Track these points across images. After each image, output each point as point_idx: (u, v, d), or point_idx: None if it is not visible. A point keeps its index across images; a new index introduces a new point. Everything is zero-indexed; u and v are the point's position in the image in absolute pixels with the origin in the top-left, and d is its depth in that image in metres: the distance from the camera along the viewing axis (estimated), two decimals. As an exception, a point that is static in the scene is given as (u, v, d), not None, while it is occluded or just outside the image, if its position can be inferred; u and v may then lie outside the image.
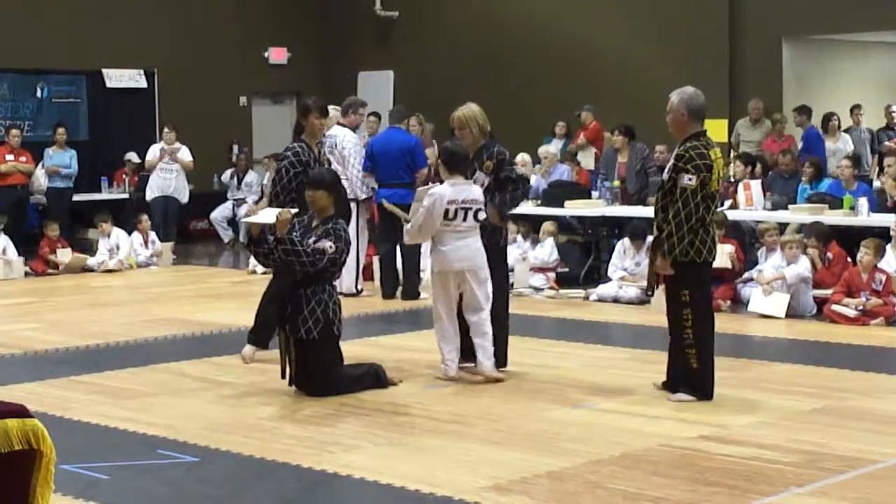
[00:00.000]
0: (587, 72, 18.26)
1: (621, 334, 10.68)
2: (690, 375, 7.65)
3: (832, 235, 11.51)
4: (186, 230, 18.66)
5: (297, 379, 7.93)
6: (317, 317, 7.76)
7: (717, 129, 16.76)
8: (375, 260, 13.14)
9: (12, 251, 14.81)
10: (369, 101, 19.04)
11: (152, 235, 15.99)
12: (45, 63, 18.53)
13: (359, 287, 12.69)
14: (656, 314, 7.96)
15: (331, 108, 12.72)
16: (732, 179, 13.78)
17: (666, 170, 7.79)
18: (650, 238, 8.99)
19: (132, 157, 18.70)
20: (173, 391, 8.22)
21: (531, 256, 13.11)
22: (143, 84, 19.58)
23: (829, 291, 11.04)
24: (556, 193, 14.04)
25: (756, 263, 11.96)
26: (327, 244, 7.76)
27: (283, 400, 7.85)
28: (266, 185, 18.37)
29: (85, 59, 18.82)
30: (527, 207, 14.01)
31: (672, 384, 7.78)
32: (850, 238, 11.69)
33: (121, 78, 19.35)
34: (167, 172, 17.37)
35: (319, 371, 7.87)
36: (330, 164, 12.28)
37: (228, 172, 19.30)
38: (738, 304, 11.63)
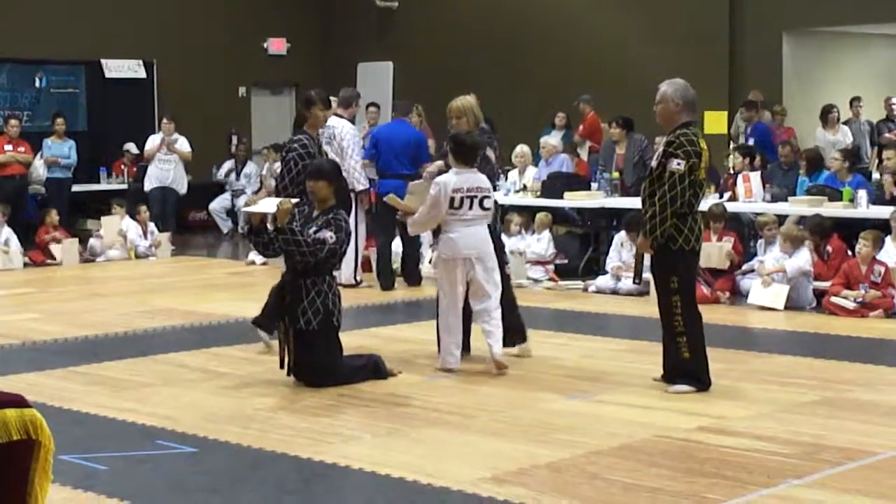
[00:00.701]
0: (587, 63, 18.24)
1: (620, 326, 10.68)
2: (684, 365, 7.69)
3: (831, 229, 11.51)
4: (185, 221, 18.66)
5: (296, 369, 7.93)
6: (316, 307, 7.76)
7: (716, 121, 16.79)
8: (372, 252, 13.15)
9: (15, 243, 14.80)
10: (368, 93, 19.05)
11: (151, 226, 15.99)
12: (43, 53, 18.50)
13: (358, 278, 12.68)
14: (655, 306, 7.96)
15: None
16: (732, 171, 13.77)
17: (655, 157, 7.87)
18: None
19: (131, 147, 18.68)
20: (172, 382, 8.22)
21: (528, 250, 13.09)
22: (143, 74, 19.55)
23: (829, 284, 11.03)
24: (556, 185, 14.01)
25: (755, 255, 11.96)
26: (328, 234, 7.75)
27: (281, 391, 7.84)
28: (265, 176, 18.37)
29: (84, 50, 18.80)
30: (526, 199, 14.02)
31: (669, 375, 7.81)
32: (848, 230, 11.69)
33: (120, 68, 19.33)
34: (166, 163, 17.38)
35: (318, 362, 7.86)
36: (327, 155, 12.30)
37: (226, 167, 19.19)
38: (738, 295, 11.63)
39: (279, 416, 7.20)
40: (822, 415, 7.13)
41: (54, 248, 15.12)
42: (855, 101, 17.15)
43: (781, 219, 12.08)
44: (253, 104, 21.19)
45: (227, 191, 18.99)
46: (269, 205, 7.84)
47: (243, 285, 13.07)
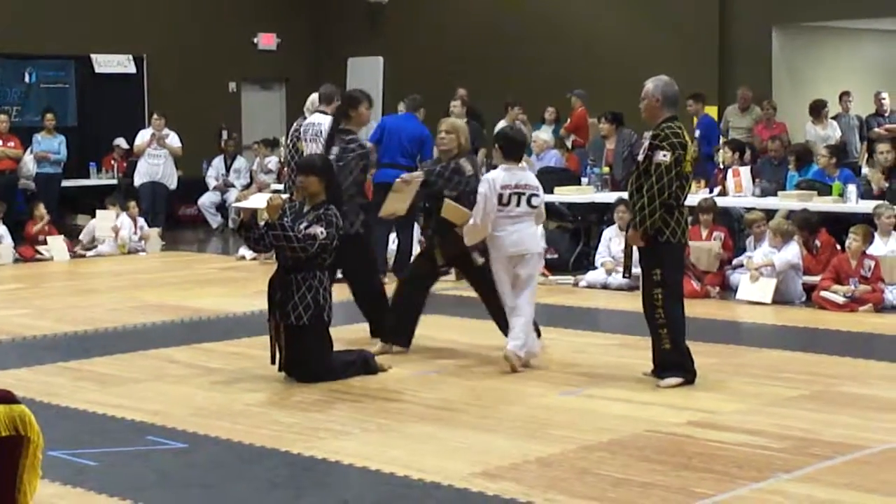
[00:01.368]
0: (577, 58, 18.23)
1: (610, 321, 10.69)
2: (667, 357, 7.73)
3: (819, 224, 11.53)
4: (175, 216, 18.62)
5: (287, 365, 7.93)
6: (307, 303, 7.76)
7: (706, 116, 16.78)
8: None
9: (8, 240, 14.77)
10: (359, 88, 18.97)
11: (140, 221, 15.96)
12: (33, 48, 18.45)
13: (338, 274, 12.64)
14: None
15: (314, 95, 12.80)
16: (722, 166, 13.78)
17: (641, 151, 7.92)
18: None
19: (121, 142, 18.65)
20: (162, 377, 8.21)
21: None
22: (132, 69, 19.50)
23: (818, 278, 11.05)
24: (546, 180, 13.98)
25: (745, 250, 11.98)
26: (319, 230, 7.75)
27: (272, 386, 7.84)
28: (256, 171, 18.35)
29: (74, 45, 18.75)
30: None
31: (657, 370, 7.83)
32: (837, 224, 11.71)
33: (110, 63, 19.28)
34: (155, 158, 17.36)
35: (309, 357, 7.86)
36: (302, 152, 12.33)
37: (214, 167, 19.02)
38: (728, 290, 11.64)
39: (269, 412, 7.20)
40: (811, 409, 7.14)
41: (43, 248, 15.03)
42: (844, 96, 17.16)
43: (770, 214, 12.09)
44: (243, 99, 21.15)
45: (217, 190, 18.82)
46: (258, 200, 7.84)
47: (233, 280, 13.05)
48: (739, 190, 12.89)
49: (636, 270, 8.44)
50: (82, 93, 19.11)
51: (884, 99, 17.06)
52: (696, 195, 11.91)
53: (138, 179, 17.33)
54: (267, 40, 21.21)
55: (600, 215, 13.76)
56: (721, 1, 17.23)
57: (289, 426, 6.83)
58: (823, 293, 10.82)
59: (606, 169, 14.24)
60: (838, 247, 11.39)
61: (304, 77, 20.12)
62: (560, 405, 7.31)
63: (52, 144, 17.18)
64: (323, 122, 12.51)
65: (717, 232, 11.94)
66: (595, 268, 12.48)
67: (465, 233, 8.36)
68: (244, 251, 14.35)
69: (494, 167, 8.61)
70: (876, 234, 11.14)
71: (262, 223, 7.83)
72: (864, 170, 13.98)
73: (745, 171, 13.08)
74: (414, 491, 5.66)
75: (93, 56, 19.07)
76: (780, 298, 11.08)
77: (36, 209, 15.41)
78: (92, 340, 9.66)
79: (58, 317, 10.73)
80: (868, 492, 5.59)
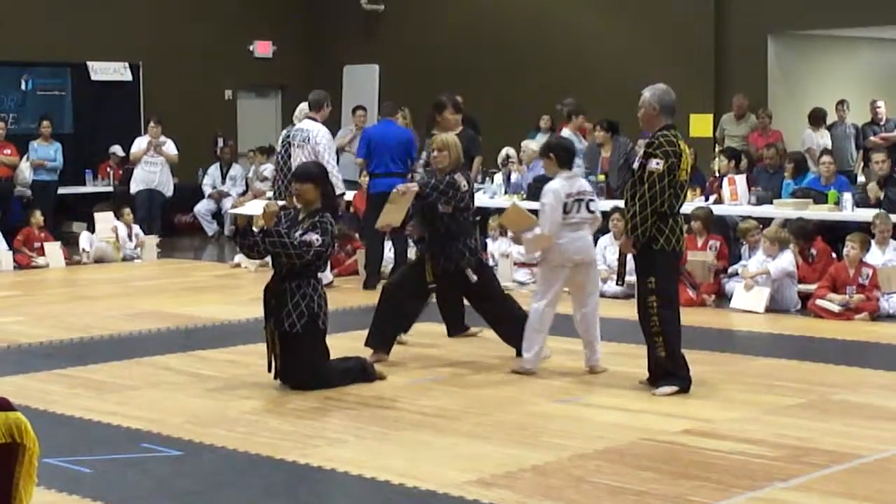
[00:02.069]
0: (571, 66, 18.24)
1: (606, 329, 10.59)
2: (662, 365, 7.74)
3: (814, 232, 11.53)
4: (171, 223, 18.61)
5: (282, 372, 7.92)
6: (301, 310, 7.76)
7: (702, 124, 16.81)
8: (360, 253, 13.12)
9: (3, 246, 14.75)
10: (355, 95, 19.05)
11: (136, 228, 15.95)
12: (29, 55, 18.45)
13: (330, 278, 12.66)
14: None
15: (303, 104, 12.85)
16: (717, 174, 13.78)
17: (636, 159, 7.94)
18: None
19: (117, 150, 18.64)
20: (157, 385, 8.20)
21: (514, 253, 13.09)
22: (129, 77, 19.50)
23: (814, 287, 11.05)
24: (541, 188, 13.96)
25: (740, 259, 11.98)
26: (314, 237, 7.75)
27: (267, 394, 7.83)
28: (252, 178, 18.34)
29: (70, 52, 18.74)
30: (513, 203, 13.99)
31: (652, 378, 7.84)
32: (832, 233, 11.72)
33: (106, 71, 19.27)
34: (152, 165, 17.38)
35: (304, 365, 7.85)
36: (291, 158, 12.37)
37: (210, 175, 19.03)
38: (724, 298, 11.64)
39: (265, 419, 7.19)
40: (807, 417, 7.15)
41: (40, 259, 15.00)
42: (840, 105, 17.17)
43: (765, 223, 12.10)
44: (239, 107, 21.15)
45: (212, 198, 18.81)
46: (255, 207, 7.85)
47: (229, 288, 13.04)
48: (735, 198, 12.90)
49: (630, 278, 8.45)
50: (78, 100, 19.10)
51: (879, 107, 17.06)
52: (691, 203, 11.92)
53: (135, 187, 17.34)
54: (263, 48, 21.21)
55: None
56: (716, 9, 17.25)
57: (284, 434, 6.83)
58: (819, 301, 10.83)
59: (602, 177, 14.24)
60: (833, 255, 11.40)
61: (300, 85, 20.08)
62: (555, 413, 7.31)
63: (48, 152, 17.17)
64: (311, 128, 12.54)
65: (713, 241, 11.95)
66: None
67: (528, 241, 8.41)
68: (240, 258, 14.34)
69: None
70: (873, 243, 11.14)
71: (257, 230, 7.85)
72: (861, 178, 13.99)
73: (740, 180, 13.09)
74: (409, 499, 5.66)
75: (89, 63, 19.06)
76: (775, 306, 11.08)
77: (33, 217, 15.40)
78: (87, 348, 9.66)
79: (53, 324, 10.72)
80: (863, 500, 5.59)
